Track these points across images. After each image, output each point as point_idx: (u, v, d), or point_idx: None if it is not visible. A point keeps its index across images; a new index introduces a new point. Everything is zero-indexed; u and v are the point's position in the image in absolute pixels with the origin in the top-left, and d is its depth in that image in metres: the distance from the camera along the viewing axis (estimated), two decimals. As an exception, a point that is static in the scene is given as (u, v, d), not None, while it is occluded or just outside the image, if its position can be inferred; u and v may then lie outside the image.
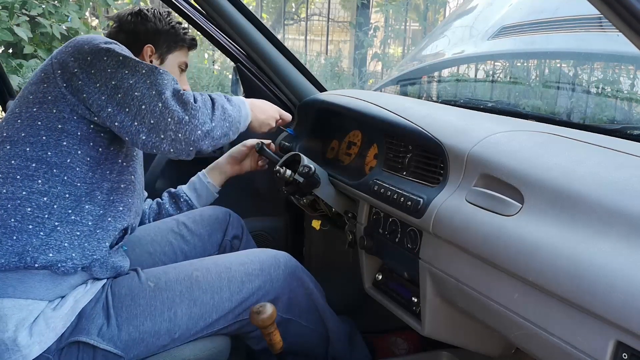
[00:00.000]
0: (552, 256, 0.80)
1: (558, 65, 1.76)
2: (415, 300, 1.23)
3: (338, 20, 5.71)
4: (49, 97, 1.19)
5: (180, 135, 1.16)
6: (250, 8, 1.76)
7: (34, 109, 1.19)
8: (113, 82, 1.17)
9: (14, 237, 1.11)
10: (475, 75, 2.00)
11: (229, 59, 2.00)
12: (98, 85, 1.17)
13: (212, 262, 1.33)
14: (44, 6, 3.10)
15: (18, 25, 2.94)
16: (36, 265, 1.11)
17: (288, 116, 1.60)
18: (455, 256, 1.02)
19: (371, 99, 1.53)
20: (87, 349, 1.14)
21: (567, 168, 0.91)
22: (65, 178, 1.16)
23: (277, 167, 1.47)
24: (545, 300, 0.82)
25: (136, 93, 1.16)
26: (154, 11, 1.53)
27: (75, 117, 1.19)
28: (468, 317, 1.12)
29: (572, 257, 0.78)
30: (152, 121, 1.15)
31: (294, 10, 6.01)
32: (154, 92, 1.16)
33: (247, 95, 1.89)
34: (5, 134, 1.20)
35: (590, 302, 0.74)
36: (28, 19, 3.07)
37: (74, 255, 1.14)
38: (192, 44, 1.57)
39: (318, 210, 1.57)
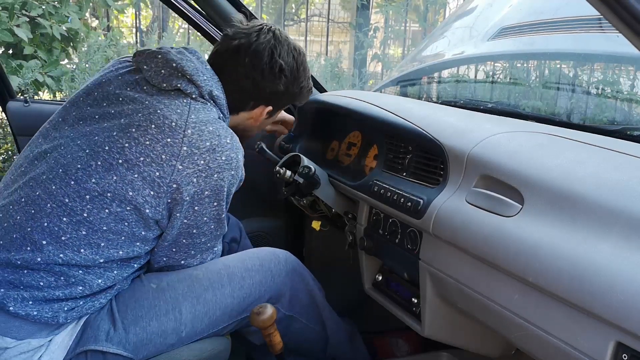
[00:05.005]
0: (552, 257, 0.80)
1: (558, 66, 1.76)
2: (415, 301, 1.23)
3: (338, 21, 5.71)
4: (147, 209, 1.09)
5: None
6: (250, 9, 1.76)
7: (128, 208, 1.08)
8: (194, 231, 1.17)
9: (55, 305, 1.10)
10: (475, 76, 2.00)
11: (229, 60, 2.00)
12: (186, 221, 1.15)
13: (211, 261, 1.33)
14: (44, 7, 3.09)
15: (18, 26, 2.94)
16: (68, 320, 1.12)
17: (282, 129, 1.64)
18: (455, 257, 1.02)
19: (371, 99, 1.53)
20: (96, 355, 1.14)
21: (567, 169, 0.91)
22: (119, 271, 1.16)
23: (277, 168, 1.47)
24: (545, 301, 0.82)
25: (192, 251, 1.22)
26: (292, 61, 1.29)
27: (158, 228, 1.16)
28: (468, 317, 1.12)
29: (572, 258, 0.78)
30: (171, 260, 1.23)
31: (294, 11, 6.02)
32: (198, 256, 1.25)
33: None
34: (85, 214, 1.08)
35: (590, 303, 0.74)
36: (28, 19, 3.07)
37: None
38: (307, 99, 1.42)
39: (318, 211, 1.57)
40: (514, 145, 1.05)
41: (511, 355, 1.22)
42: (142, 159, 1.08)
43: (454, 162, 1.10)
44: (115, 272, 1.15)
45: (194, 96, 1.16)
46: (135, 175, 1.08)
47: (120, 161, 1.08)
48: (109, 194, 1.08)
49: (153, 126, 1.10)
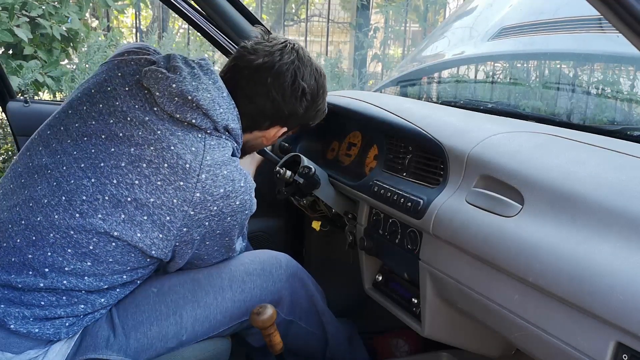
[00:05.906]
0: (552, 257, 0.80)
1: (558, 66, 1.76)
2: (415, 301, 1.23)
3: (338, 21, 5.70)
4: (153, 250, 1.08)
5: None
6: (250, 9, 1.76)
7: (130, 247, 1.06)
8: (205, 257, 1.20)
9: (57, 322, 1.09)
10: (475, 76, 2.00)
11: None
12: (196, 252, 1.16)
13: (213, 264, 1.33)
14: (44, 7, 3.09)
15: (18, 26, 2.94)
16: (69, 334, 1.12)
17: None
18: (455, 257, 1.02)
19: (371, 100, 1.53)
20: None
21: (567, 169, 0.91)
22: (122, 289, 1.16)
23: (277, 168, 1.47)
24: (546, 301, 0.81)
25: (203, 266, 1.25)
26: (314, 83, 1.24)
27: (158, 262, 1.16)
28: (468, 318, 1.12)
29: (572, 258, 0.78)
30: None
31: (294, 11, 6.01)
32: (210, 265, 1.26)
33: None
34: (91, 247, 1.04)
35: (590, 303, 0.74)
36: (28, 20, 3.07)
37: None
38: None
39: (318, 211, 1.57)
40: (514, 146, 1.05)
41: (511, 355, 1.22)
42: (152, 200, 1.04)
43: (454, 162, 1.10)
44: (117, 290, 1.15)
45: (208, 131, 1.10)
46: (145, 217, 1.05)
47: (129, 199, 1.04)
48: (115, 233, 1.04)
49: (166, 165, 1.05)
